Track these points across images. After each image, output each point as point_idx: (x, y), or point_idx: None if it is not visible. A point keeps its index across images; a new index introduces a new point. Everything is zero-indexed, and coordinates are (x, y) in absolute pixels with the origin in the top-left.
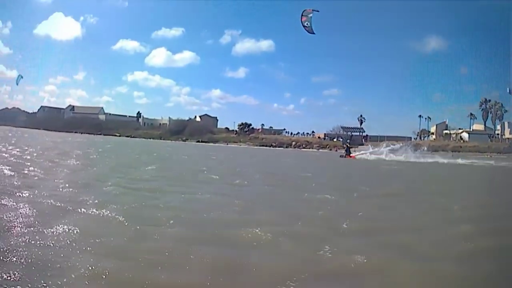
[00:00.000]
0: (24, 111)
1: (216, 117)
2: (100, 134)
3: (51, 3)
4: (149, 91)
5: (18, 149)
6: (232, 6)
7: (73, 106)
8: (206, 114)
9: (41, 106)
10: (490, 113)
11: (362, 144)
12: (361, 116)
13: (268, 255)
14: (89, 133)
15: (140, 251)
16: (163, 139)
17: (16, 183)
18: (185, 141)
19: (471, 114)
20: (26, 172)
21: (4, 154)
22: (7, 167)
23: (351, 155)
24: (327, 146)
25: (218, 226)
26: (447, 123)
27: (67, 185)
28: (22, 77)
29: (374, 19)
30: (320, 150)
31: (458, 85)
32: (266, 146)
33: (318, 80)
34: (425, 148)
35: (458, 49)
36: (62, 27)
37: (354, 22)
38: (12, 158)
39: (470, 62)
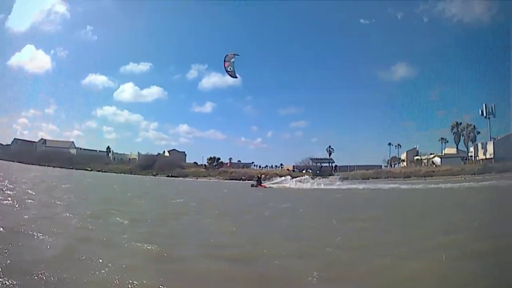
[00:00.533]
0: None
1: (184, 152)
2: (72, 168)
3: (23, 34)
4: (118, 126)
5: (7, 181)
6: (198, 40)
7: (45, 140)
8: (174, 149)
9: (15, 139)
10: (462, 136)
11: (332, 175)
12: (329, 147)
13: (274, 267)
14: (61, 167)
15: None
16: (133, 174)
17: (28, 217)
18: (155, 175)
19: (442, 138)
20: (34, 206)
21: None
22: (10, 201)
23: (262, 184)
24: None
25: (230, 248)
26: (417, 149)
27: (78, 217)
28: None
29: (341, 48)
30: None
31: (428, 110)
32: (235, 179)
33: (285, 113)
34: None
35: (426, 74)
36: (34, 60)
37: (319, 52)
38: (9, 191)
39: (439, 87)
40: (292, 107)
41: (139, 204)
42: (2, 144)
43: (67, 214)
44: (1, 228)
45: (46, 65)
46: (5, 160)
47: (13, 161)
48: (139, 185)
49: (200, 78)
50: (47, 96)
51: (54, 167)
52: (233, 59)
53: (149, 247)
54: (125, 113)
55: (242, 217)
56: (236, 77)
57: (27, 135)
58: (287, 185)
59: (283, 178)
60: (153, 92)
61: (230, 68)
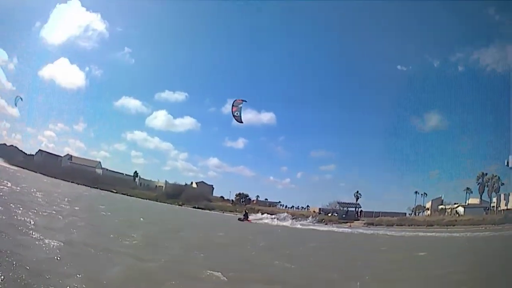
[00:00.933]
0: (21, 151)
1: (212, 185)
2: (97, 188)
3: (57, 47)
4: (147, 152)
5: (40, 193)
6: (236, 76)
7: (71, 156)
8: (202, 181)
9: (39, 150)
10: (487, 186)
11: (358, 219)
12: (357, 192)
13: None
14: (85, 185)
15: None
16: (160, 201)
17: (82, 235)
18: (181, 205)
19: (468, 188)
20: (81, 226)
21: (38, 199)
22: (56, 217)
23: (248, 219)
24: (323, 220)
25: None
26: (442, 198)
27: (131, 240)
28: (21, 99)
29: (376, 95)
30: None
31: (456, 160)
32: None
33: (316, 155)
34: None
35: (457, 125)
36: (67, 75)
37: (353, 98)
38: (47, 204)
39: (469, 138)
40: (323, 150)
41: (186, 233)
42: (26, 154)
43: (121, 236)
44: (62, 243)
45: (79, 82)
46: (28, 169)
47: (35, 172)
48: (173, 214)
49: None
50: (77, 113)
51: (78, 184)
52: (241, 105)
53: (215, 274)
54: (155, 140)
55: (281, 251)
56: (242, 122)
57: (52, 148)
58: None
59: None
60: (186, 122)
61: (237, 113)
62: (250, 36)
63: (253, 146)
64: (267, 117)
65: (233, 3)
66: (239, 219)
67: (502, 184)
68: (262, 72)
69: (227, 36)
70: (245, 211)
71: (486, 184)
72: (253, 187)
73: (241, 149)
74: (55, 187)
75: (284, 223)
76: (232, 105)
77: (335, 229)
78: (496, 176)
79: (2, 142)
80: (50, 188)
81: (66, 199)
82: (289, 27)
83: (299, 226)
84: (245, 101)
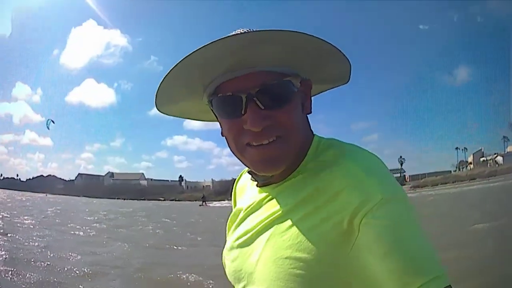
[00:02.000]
0: (60, 178)
1: None
2: (144, 200)
3: (81, 69)
4: (189, 155)
5: (112, 215)
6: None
7: (113, 173)
8: None
9: (79, 174)
10: None
11: (404, 184)
12: (401, 157)
13: None
14: (132, 199)
15: None
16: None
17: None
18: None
19: (504, 137)
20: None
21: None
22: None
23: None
24: None
25: None
26: (483, 150)
27: None
28: (53, 121)
29: (403, 57)
30: None
31: (490, 110)
32: None
33: (358, 127)
34: None
35: (487, 75)
36: (96, 94)
37: (385, 62)
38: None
39: (500, 85)
40: (364, 121)
41: None
42: (65, 180)
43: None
44: None
45: (109, 99)
46: (70, 195)
47: (79, 196)
48: None
49: None
50: (112, 130)
51: (124, 199)
52: None
53: None
54: (196, 141)
55: None
56: None
57: (91, 170)
58: None
59: None
60: None
61: None
62: None
63: None
64: None
65: None
66: (199, 205)
67: None
68: None
69: None
70: (203, 195)
71: None
72: None
73: None
74: (114, 206)
75: None
76: None
77: None
78: None
79: (38, 175)
80: (111, 207)
81: (125, 217)
82: None
83: None
84: None
